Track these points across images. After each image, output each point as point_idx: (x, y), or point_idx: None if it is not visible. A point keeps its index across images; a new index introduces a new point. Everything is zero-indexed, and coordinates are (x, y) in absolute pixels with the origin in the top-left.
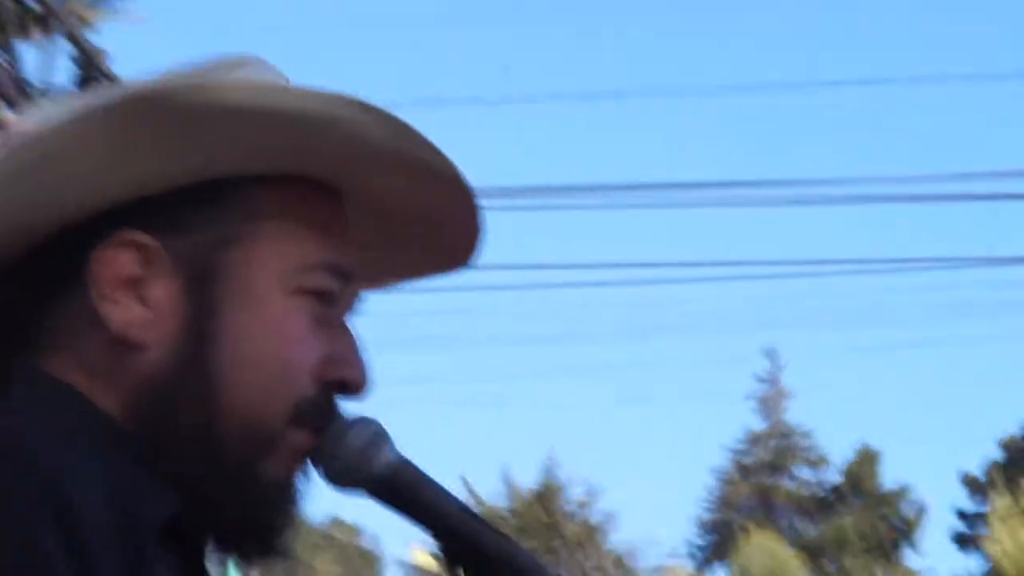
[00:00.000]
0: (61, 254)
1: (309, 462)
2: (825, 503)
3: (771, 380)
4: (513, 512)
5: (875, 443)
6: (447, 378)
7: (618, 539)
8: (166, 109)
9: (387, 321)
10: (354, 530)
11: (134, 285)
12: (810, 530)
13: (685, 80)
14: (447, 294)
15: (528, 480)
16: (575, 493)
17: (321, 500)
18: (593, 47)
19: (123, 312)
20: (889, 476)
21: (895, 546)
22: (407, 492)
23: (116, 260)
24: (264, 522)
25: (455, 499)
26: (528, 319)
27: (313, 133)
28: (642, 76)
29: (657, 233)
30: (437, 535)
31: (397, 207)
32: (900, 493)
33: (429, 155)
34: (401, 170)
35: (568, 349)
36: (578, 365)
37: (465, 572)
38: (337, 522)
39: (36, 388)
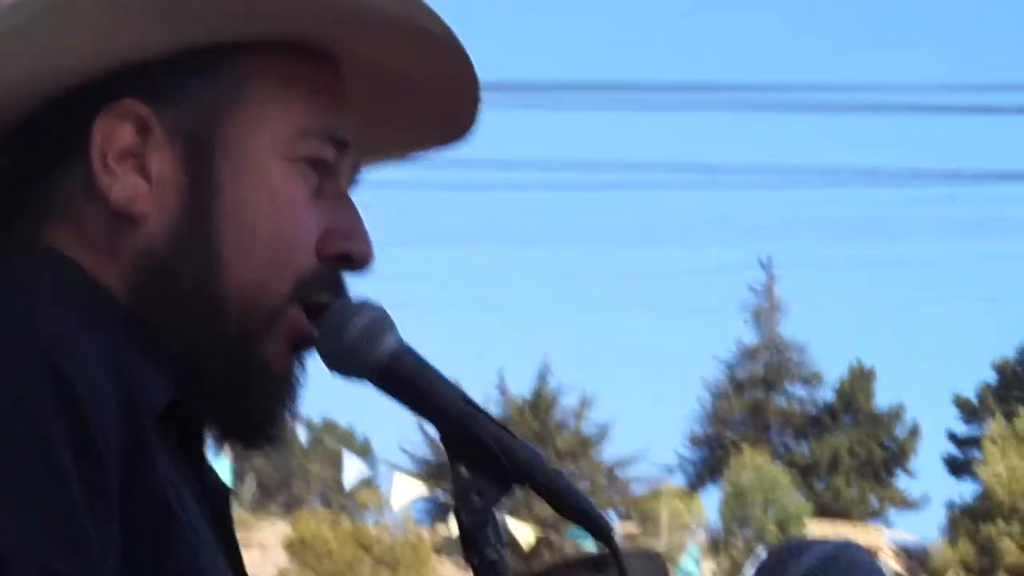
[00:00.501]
0: (58, 123)
1: (310, 348)
2: (817, 421)
3: (765, 292)
4: (506, 420)
5: (869, 361)
6: (440, 278)
7: (610, 451)
8: None
9: (381, 216)
10: (347, 433)
11: (133, 157)
12: (801, 448)
13: None
14: (443, 192)
15: (521, 387)
16: (568, 402)
17: (313, 401)
18: None
19: (123, 184)
20: (882, 396)
21: (887, 467)
22: (409, 381)
23: (115, 131)
24: (261, 405)
25: (458, 390)
26: (528, 220)
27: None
28: None
29: (659, 136)
30: (438, 426)
31: (394, 75)
32: (893, 414)
33: (428, 20)
34: (399, 35)
35: (564, 252)
36: (574, 269)
37: (466, 463)
38: (329, 424)
39: (35, 259)
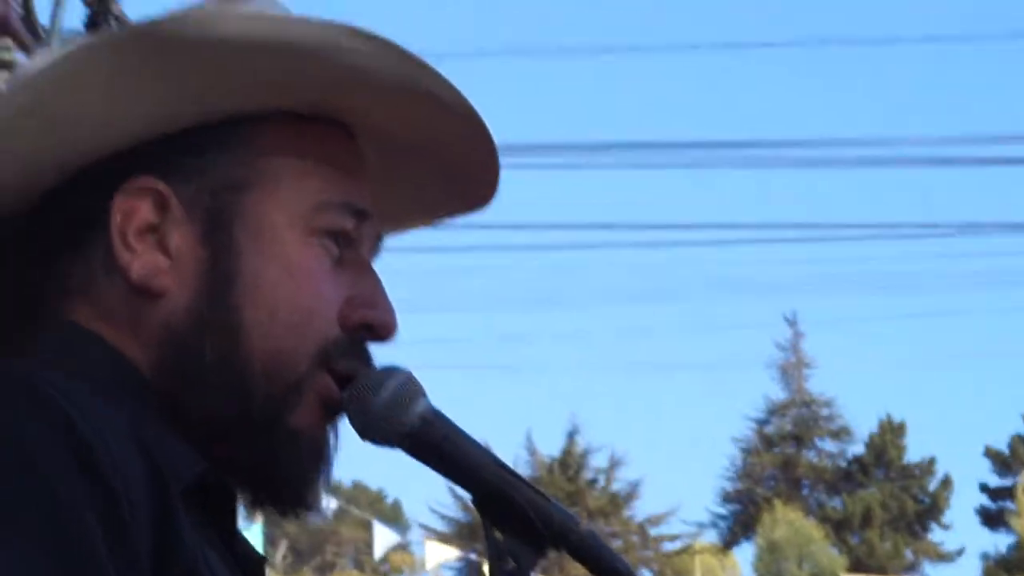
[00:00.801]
0: (76, 201)
1: (342, 413)
2: (848, 475)
3: (792, 348)
4: (535, 480)
5: (899, 414)
6: (469, 341)
7: (641, 509)
8: (165, 42)
9: (408, 281)
10: (377, 496)
11: (152, 232)
12: (834, 503)
13: (710, 36)
14: (468, 254)
15: (550, 447)
16: (597, 461)
17: (343, 465)
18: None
19: (142, 260)
20: (914, 449)
21: (920, 520)
22: (440, 446)
23: (134, 208)
24: (293, 472)
25: (489, 453)
26: (551, 281)
27: (318, 62)
28: (666, 31)
29: (681, 194)
30: (471, 490)
31: (411, 143)
32: (925, 467)
33: (438, 85)
34: (411, 101)
35: (589, 312)
36: (599, 328)
37: (500, 527)
38: (359, 487)
39: (58, 334)
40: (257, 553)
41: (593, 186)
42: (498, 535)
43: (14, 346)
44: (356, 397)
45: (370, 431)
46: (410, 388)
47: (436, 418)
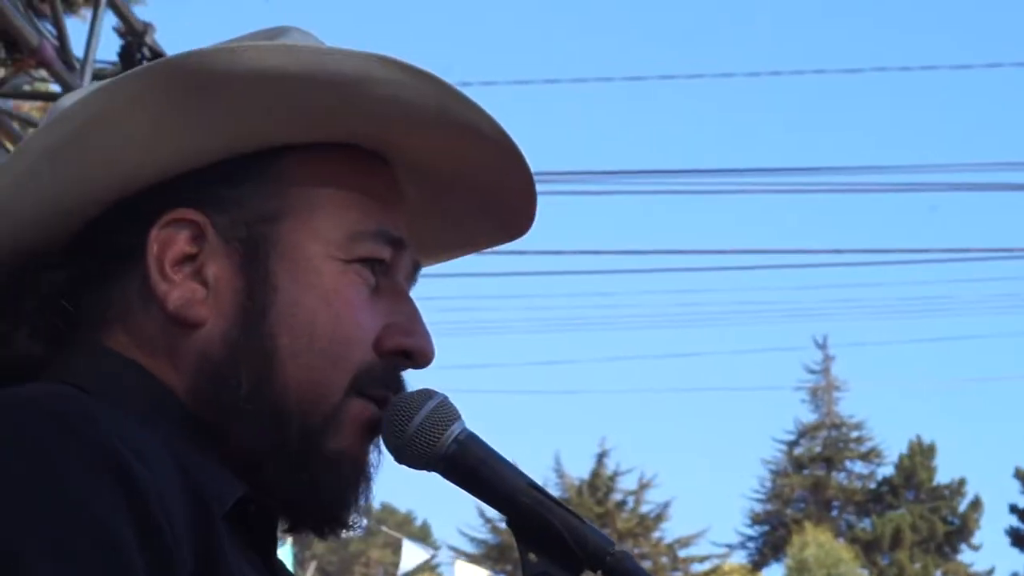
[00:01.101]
0: (114, 232)
1: (379, 435)
2: (878, 497)
3: (822, 371)
4: (564, 501)
5: (928, 436)
6: (500, 365)
7: (671, 530)
8: (201, 75)
9: (438, 307)
10: (406, 518)
11: (189, 263)
12: (863, 524)
13: (742, 64)
14: (500, 279)
15: (579, 469)
16: (627, 483)
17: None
18: (639, 29)
19: (179, 290)
20: (943, 471)
21: (950, 542)
22: (475, 469)
23: (171, 239)
24: (334, 497)
25: (524, 475)
26: (579, 305)
27: (352, 93)
28: (692, 59)
29: (710, 220)
30: (506, 512)
31: (447, 173)
32: (955, 488)
33: (475, 116)
34: (446, 131)
35: (619, 336)
36: (629, 352)
37: (535, 549)
38: (388, 509)
39: (96, 361)
40: None
41: (625, 212)
42: (532, 557)
43: (48, 373)
44: (391, 422)
45: (405, 454)
46: (445, 411)
47: (471, 441)
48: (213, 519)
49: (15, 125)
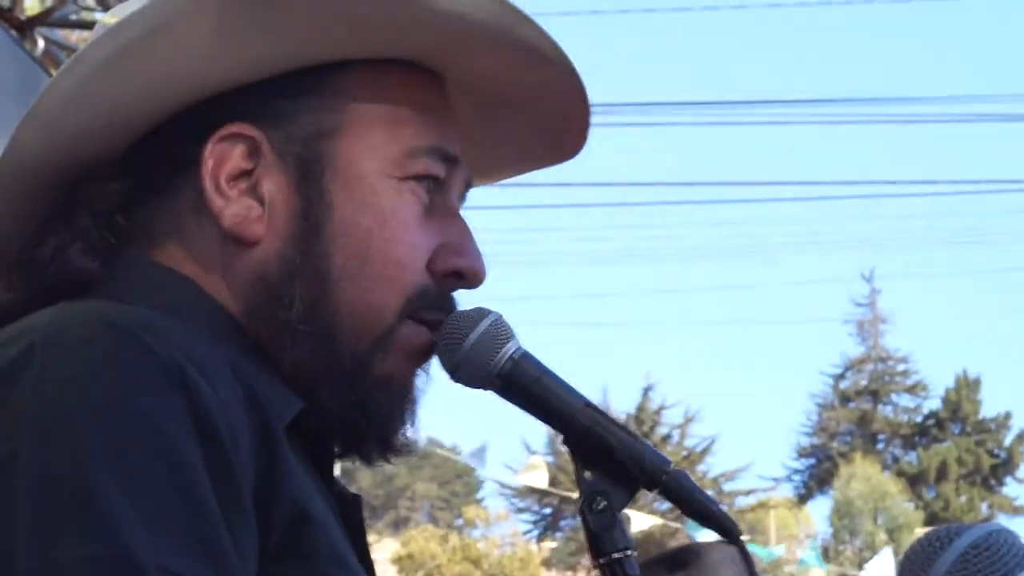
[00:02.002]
0: (168, 146)
1: (431, 358)
2: (924, 430)
3: (868, 303)
4: None
5: (975, 369)
6: (547, 297)
7: (716, 464)
8: None
9: (489, 238)
10: (451, 451)
11: (244, 179)
12: (909, 457)
13: None
14: (549, 211)
15: (625, 403)
16: (673, 416)
17: (418, 421)
18: None
19: (234, 207)
20: (989, 404)
21: (996, 475)
22: (531, 387)
23: (226, 154)
24: (381, 419)
25: (579, 394)
26: (628, 237)
27: (415, 7)
28: None
29: (759, 151)
30: (562, 430)
31: (502, 92)
32: (1001, 421)
33: (537, 36)
34: (506, 50)
35: (666, 269)
36: (677, 285)
37: (591, 468)
38: (434, 442)
39: (153, 278)
40: (352, 493)
41: (675, 143)
42: (588, 475)
43: (101, 289)
44: (447, 339)
45: (460, 372)
46: (500, 329)
47: (526, 359)
48: (275, 432)
49: (64, 55)
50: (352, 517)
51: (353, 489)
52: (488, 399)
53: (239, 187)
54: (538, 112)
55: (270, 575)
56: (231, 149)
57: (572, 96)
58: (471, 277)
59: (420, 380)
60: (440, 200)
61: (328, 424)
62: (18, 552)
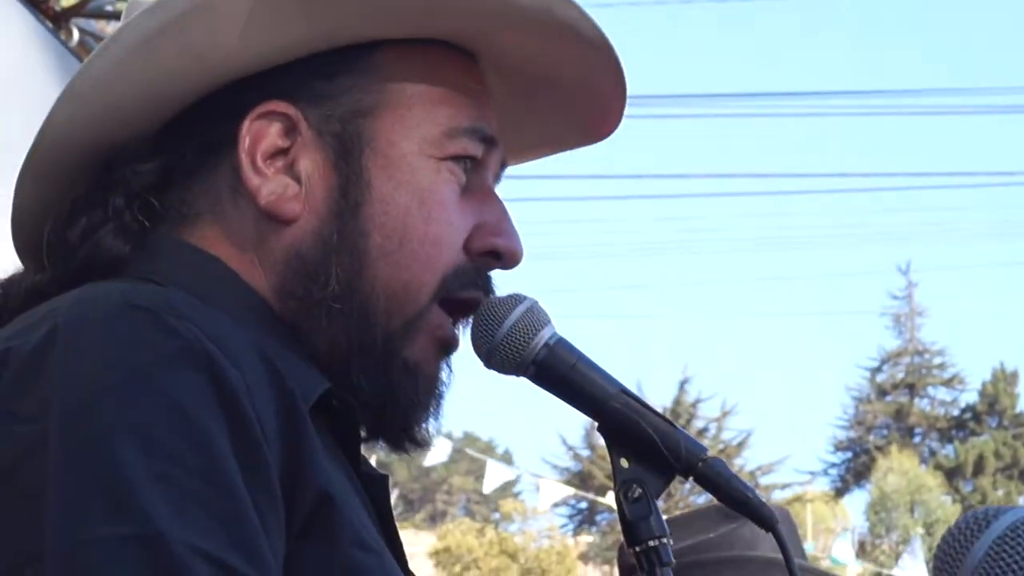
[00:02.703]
0: (205, 123)
1: (456, 350)
2: (961, 423)
3: (905, 296)
4: None
5: (1012, 363)
6: (583, 290)
7: (752, 458)
8: None
9: (525, 229)
10: (488, 445)
11: (281, 157)
12: (946, 451)
13: None
14: (579, 203)
15: (662, 397)
16: (709, 410)
17: (454, 415)
18: None
19: (271, 185)
20: None
21: None
22: (566, 374)
23: (263, 131)
24: (408, 407)
25: (615, 381)
26: (665, 230)
27: None
28: None
29: (796, 142)
30: (596, 417)
31: (537, 72)
32: None
33: (577, 16)
34: (545, 30)
35: (703, 260)
36: (714, 278)
37: (627, 455)
38: (470, 437)
39: (182, 258)
40: (379, 472)
41: (713, 135)
42: (624, 463)
43: (131, 269)
44: (480, 324)
45: (495, 359)
46: (535, 315)
47: (561, 345)
48: (300, 413)
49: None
50: (378, 497)
51: (391, 482)
52: (525, 393)
53: (275, 165)
54: (572, 93)
55: (294, 556)
56: (268, 127)
57: (610, 78)
58: (508, 257)
59: (445, 374)
60: (477, 180)
61: (355, 405)
62: (48, 533)
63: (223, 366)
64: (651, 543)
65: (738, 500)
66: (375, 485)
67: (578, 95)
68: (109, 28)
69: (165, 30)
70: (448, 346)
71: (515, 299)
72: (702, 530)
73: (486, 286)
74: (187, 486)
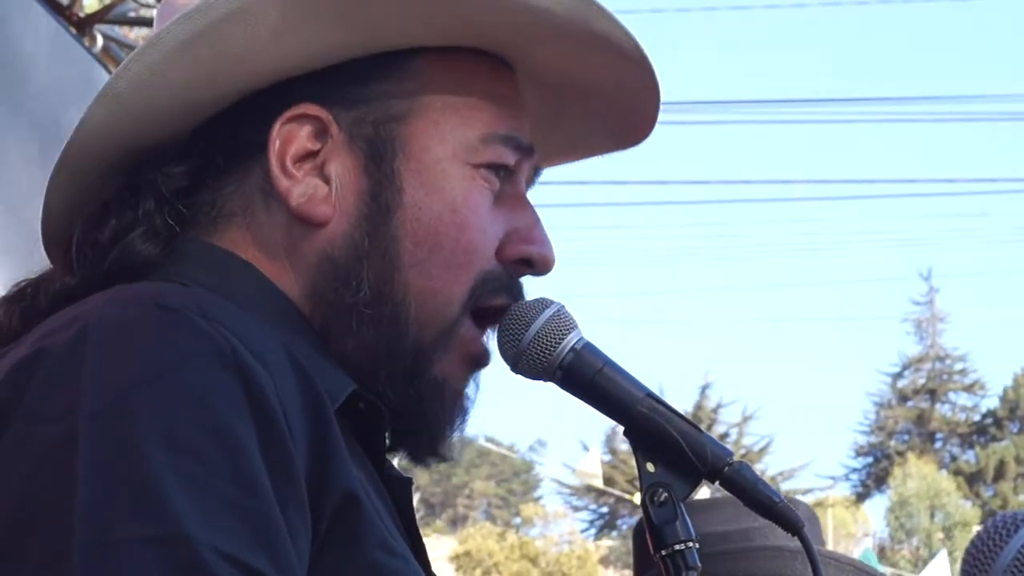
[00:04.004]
0: (236, 127)
1: (485, 366)
2: (982, 429)
3: (926, 302)
4: None
5: None
6: (604, 295)
7: (773, 463)
8: None
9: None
10: (510, 450)
11: (310, 159)
12: (967, 456)
13: None
14: (601, 209)
15: (683, 402)
16: (730, 415)
17: (476, 420)
18: None
19: (303, 187)
20: None
21: None
22: (593, 379)
23: (294, 134)
24: (434, 420)
25: (641, 385)
26: (684, 236)
27: (497, 1)
28: None
29: (817, 149)
30: (623, 422)
31: (570, 81)
32: None
33: (613, 28)
34: (581, 40)
35: (723, 267)
36: (733, 283)
37: (653, 460)
38: (492, 440)
39: (211, 261)
40: (403, 475)
41: (733, 141)
42: (650, 467)
43: (160, 272)
44: (507, 329)
45: (521, 363)
46: (562, 320)
47: (588, 350)
48: (328, 415)
49: (123, 52)
50: (402, 500)
51: (419, 463)
52: (547, 397)
53: (305, 167)
54: (606, 102)
55: (319, 558)
56: (298, 129)
57: (644, 90)
58: (540, 264)
59: (471, 390)
60: (510, 188)
61: (382, 408)
62: (75, 534)
63: (252, 368)
64: (677, 547)
65: (764, 504)
66: (399, 487)
67: (612, 104)
68: (132, 34)
69: (203, 35)
70: (479, 362)
71: (542, 303)
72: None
73: (517, 293)
74: (214, 488)
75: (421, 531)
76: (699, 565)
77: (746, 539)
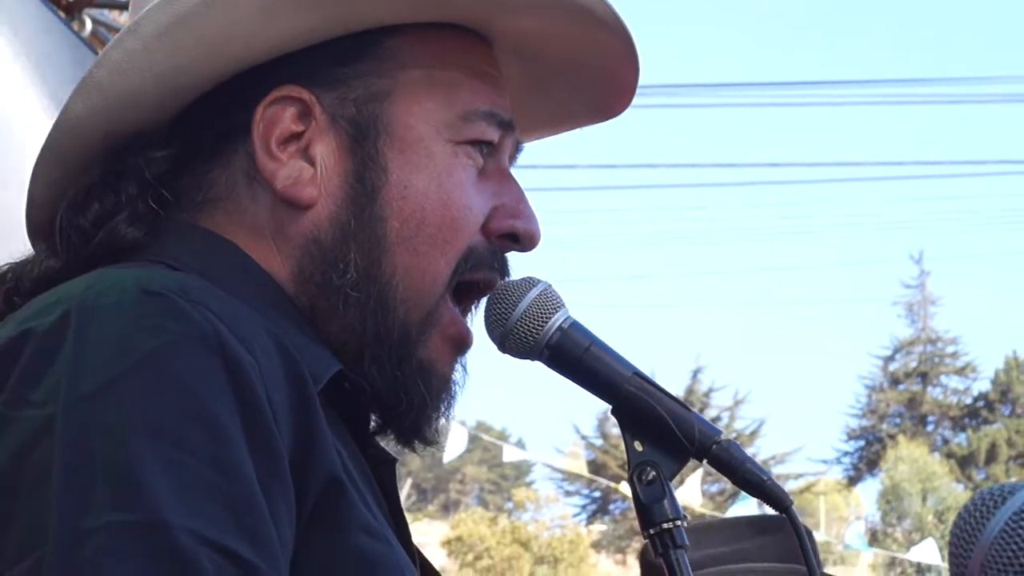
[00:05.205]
0: (219, 111)
1: (469, 349)
2: (974, 412)
3: (918, 285)
4: None
5: None
6: (590, 279)
7: (765, 447)
8: None
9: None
10: (501, 435)
11: (295, 141)
12: (959, 439)
13: None
14: (589, 193)
15: (674, 386)
16: (721, 399)
17: (468, 405)
18: None
19: (288, 169)
20: None
21: None
22: (580, 358)
23: (278, 116)
24: (419, 403)
25: (629, 364)
26: (675, 219)
27: None
28: None
29: (806, 132)
30: (610, 400)
31: (549, 54)
32: None
33: (594, 1)
34: (559, 12)
35: (714, 250)
36: (723, 267)
37: (640, 438)
38: (483, 426)
39: (196, 243)
40: (388, 454)
41: (721, 124)
42: (638, 446)
43: (144, 254)
44: (494, 308)
45: (508, 343)
46: (549, 299)
47: (575, 329)
48: (312, 397)
49: (112, 36)
50: (385, 480)
51: (402, 471)
52: (539, 381)
53: (289, 150)
54: (585, 73)
55: (303, 540)
56: (282, 112)
57: (623, 59)
58: (526, 239)
59: (459, 375)
60: (493, 163)
61: (366, 387)
62: (54, 519)
63: (236, 351)
64: (665, 525)
65: (752, 483)
66: (382, 467)
67: (591, 75)
68: (122, 18)
69: (183, 20)
70: (462, 344)
71: (529, 282)
72: (735, 539)
73: (502, 268)
74: (195, 472)
75: (413, 516)
76: (687, 543)
77: (740, 560)
